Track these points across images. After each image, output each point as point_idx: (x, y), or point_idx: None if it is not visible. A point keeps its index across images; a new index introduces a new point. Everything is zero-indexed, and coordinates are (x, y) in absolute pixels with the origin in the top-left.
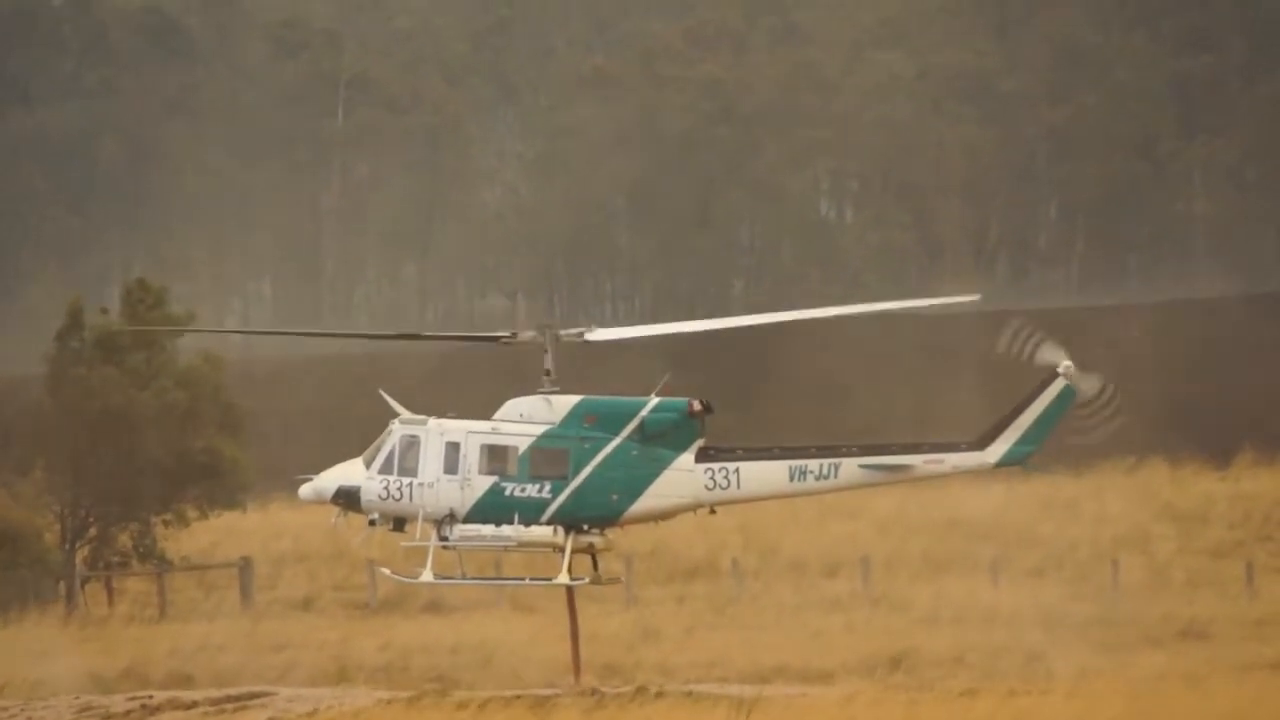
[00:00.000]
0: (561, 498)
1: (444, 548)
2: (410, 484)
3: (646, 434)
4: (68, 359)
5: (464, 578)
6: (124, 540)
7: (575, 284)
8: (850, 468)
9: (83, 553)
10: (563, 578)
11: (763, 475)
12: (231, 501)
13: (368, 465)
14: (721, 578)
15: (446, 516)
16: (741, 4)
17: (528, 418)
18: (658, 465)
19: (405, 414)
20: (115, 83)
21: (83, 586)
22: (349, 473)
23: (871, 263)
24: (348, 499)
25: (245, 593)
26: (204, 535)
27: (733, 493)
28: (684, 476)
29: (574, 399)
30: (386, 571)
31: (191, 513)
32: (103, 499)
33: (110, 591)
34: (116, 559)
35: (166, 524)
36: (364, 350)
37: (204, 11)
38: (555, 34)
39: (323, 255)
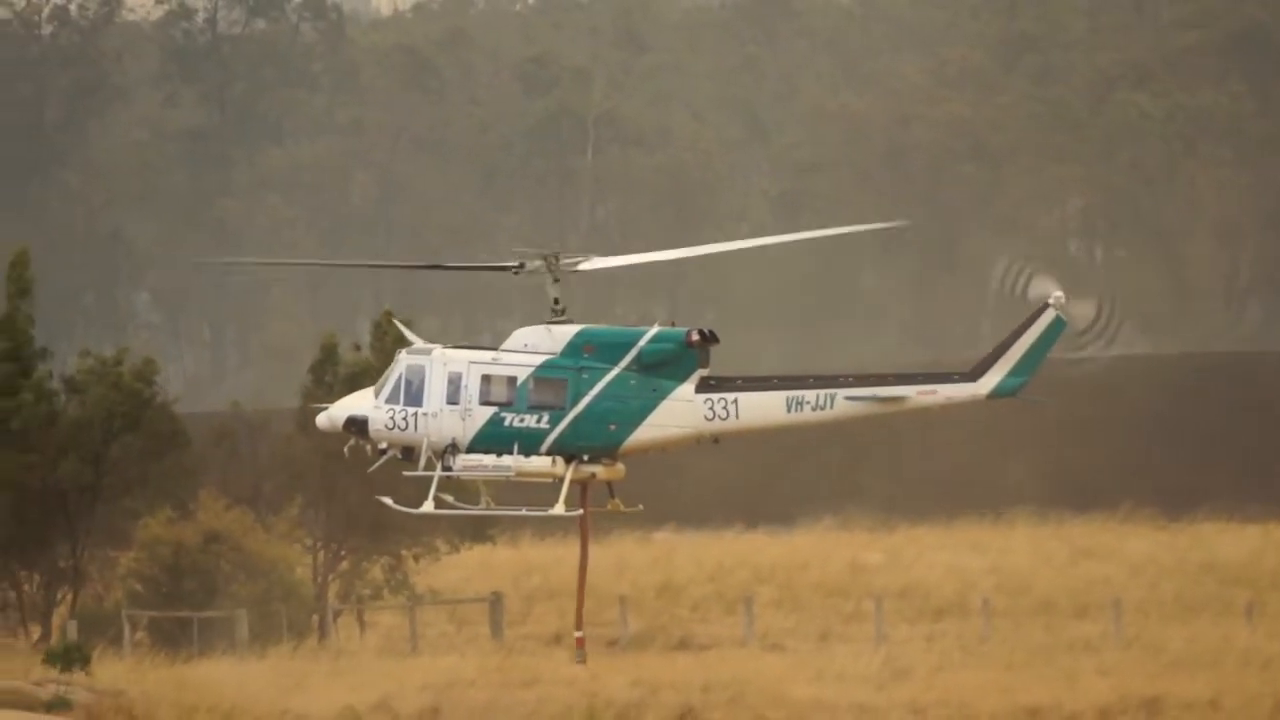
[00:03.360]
0: (560, 427)
1: (446, 477)
2: (415, 413)
3: (645, 364)
4: (320, 393)
5: (461, 507)
6: (375, 574)
7: (823, 322)
8: (845, 399)
9: (335, 586)
10: (559, 508)
11: (761, 405)
12: (481, 535)
13: (377, 394)
14: (971, 617)
15: (449, 446)
16: (989, 42)
17: (531, 348)
18: (656, 395)
19: (417, 343)
20: (365, 120)
21: (335, 620)
22: (360, 402)
23: (1122, 302)
24: (358, 428)
25: (495, 627)
26: (454, 569)
27: (732, 423)
28: (683, 406)
29: (574, 328)
30: (388, 501)
31: (442, 546)
32: (354, 533)
33: (362, 625)
34: (368, 592)
35: (417, 558)
36: None
37: (453, 49)
38: (803, 72)
39: (570, 293)
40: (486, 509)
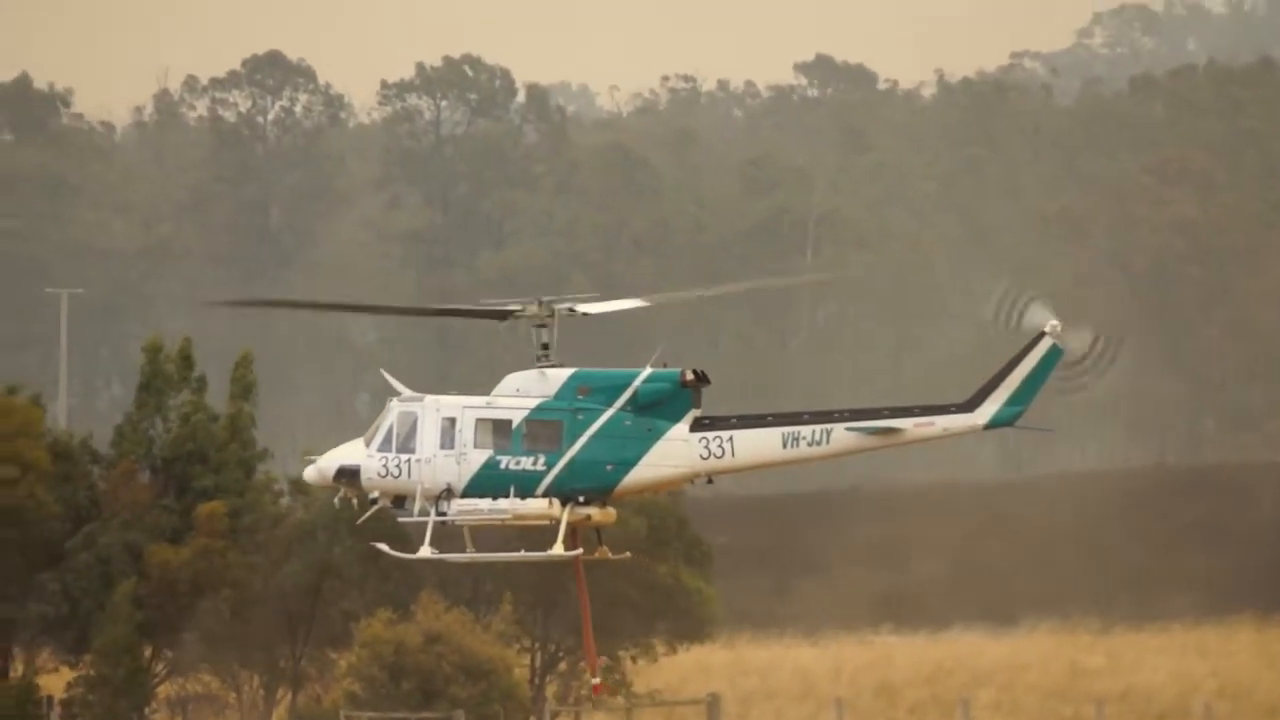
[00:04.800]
0: (556, 469)
1: (442, 522)
2: (408, 460)
3: (640, 404)
4: None
5: (461, 552)
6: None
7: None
8: (842, 432)
9: (553, 687)
10: (557, 549)
11: (756, 442)
12: (699, 636)
13: (368, 444)
14: None
15: (444, 491)
16: (1211, 141)
17: (524, 391)
18: (652, 435)
19: (406, 392)
20: (584, 220)
21: None
22: (350, 452)
23: None
24: (349, 478)
25: None
26: (671, 670)
27: (728, 461)
28: (679, 446)
29: (567, 371)
30: (384, 547)
31: (659, 647)
32: (572, 634)
33: None
34: (586, 694)
35: (634, 658)
36: (814, 490)
37: (672, 149)
38: (1024, 172)
39: (784, 390)
40: (489, 553)
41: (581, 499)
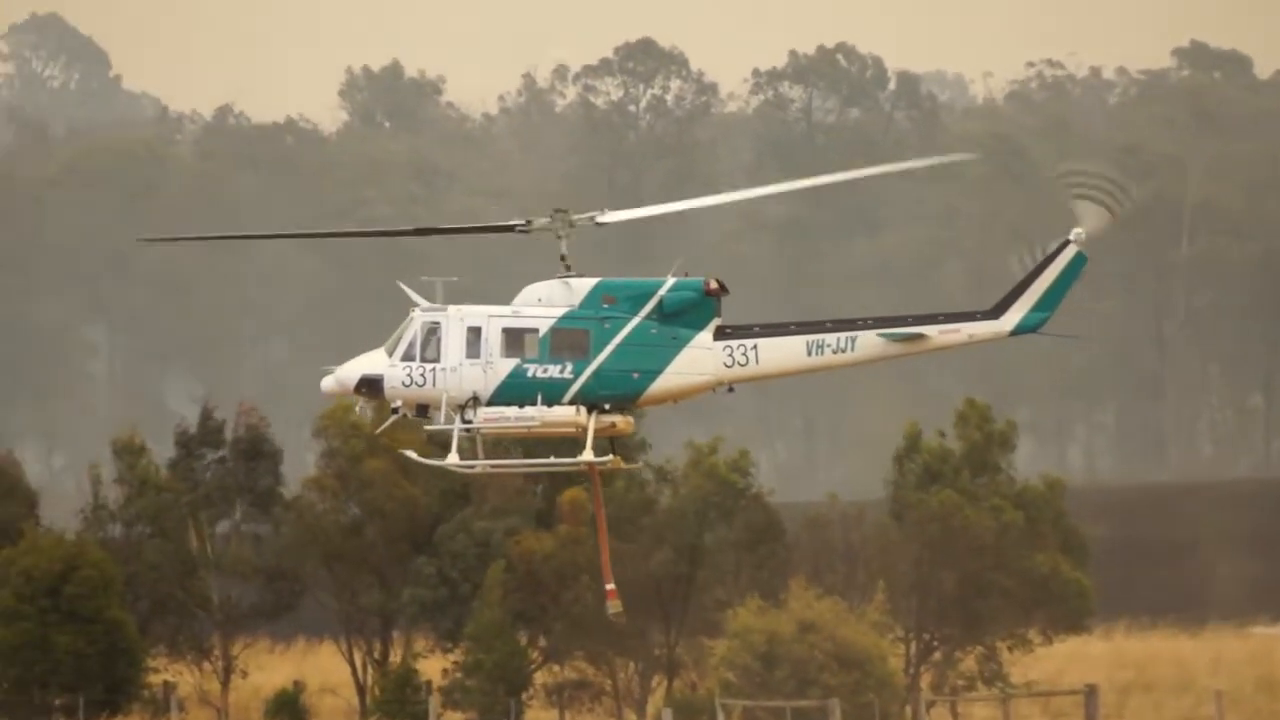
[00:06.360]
0: (583, 377)
1: (467, 431)
2: (433, 369)
3: (665, 312)
4: (908, 482)
5: (486, 461)
6: (969, 664)
7: None
8: (867, 339)
9: (928, 677)
10: (587, 454)
11: (781, 350)
12: (1076, 627)
13: (390, 353)
14: None
15: (470, 400)
16: None
17: (547, 301)
18: (677, 343)
19: (425, 303)
20: (959, 207)
21: (928, 711)
22: (371, 362)
23: None
24: (371, 388)
25: None
26: (1048, 660)
27: (752, 369)
28: (703, 354)
29: (592, 280)
30: (411, 454)
31: (1036, 637)
32: (947, 623)
33: (955, 716)
34: (961, 683)
35: (1011, 649)
36: (1193, 481)
37: (1045, 135)
38: None
39: (1163, 380)
40: (517, 461)
41: (607, 407)
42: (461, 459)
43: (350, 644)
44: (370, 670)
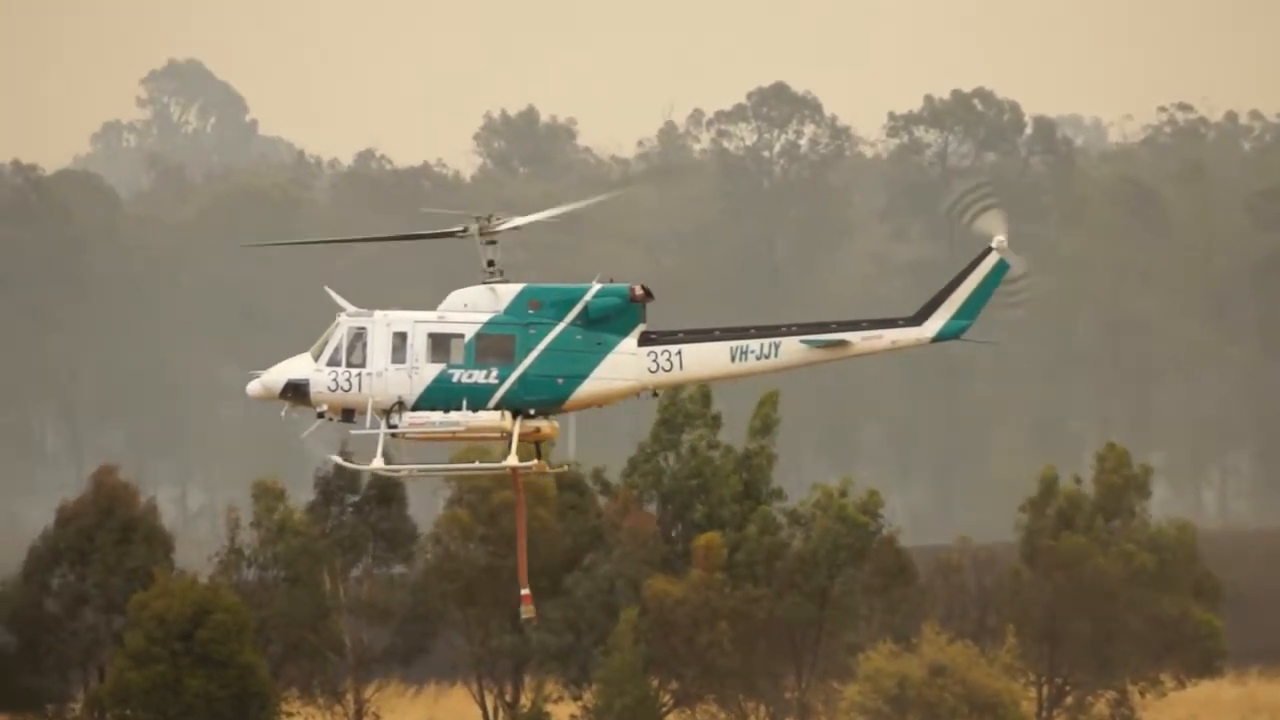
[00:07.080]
0: (508, 382)
1: (393, 435)
2: (359, 374)
3: (590, 318)
4: (1043, 527)
5: (412, 465)
6: (1100, 708)
7: None
8: (791, 345)
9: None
10: (511, 459)
11: (705, 356)
12: (1208, 671)
13: (316, 358)
14: None
15: (395, 405)
16: None
17: (472, 306)
18: (602, 349)
19: (351, 308)
20: (1090, 253)
21: None
22: (297, 367)
23: None
24: (296, 393)
25: None
26: (1182, 706)
27: (675, 374)
28: (628, 359)
29: (518, 286)
30: (338, 459)
31: (1168, 681)
32: (1079, 667)
33: None
34: None
35: (1143, 692)
36: None
37: (1181, 182)
38: None
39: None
40: (442, 465)
41: (532, 412)
42: (386, 464)
43: (481, 686)
44: (501, 713)
